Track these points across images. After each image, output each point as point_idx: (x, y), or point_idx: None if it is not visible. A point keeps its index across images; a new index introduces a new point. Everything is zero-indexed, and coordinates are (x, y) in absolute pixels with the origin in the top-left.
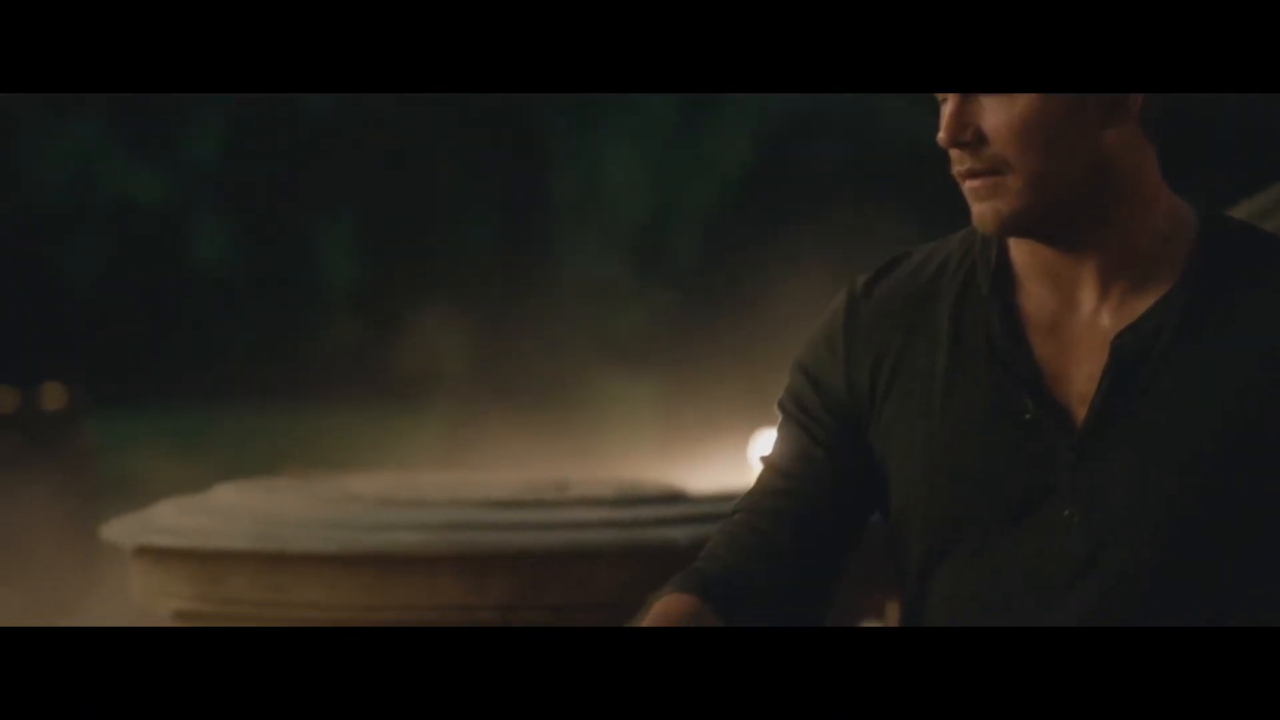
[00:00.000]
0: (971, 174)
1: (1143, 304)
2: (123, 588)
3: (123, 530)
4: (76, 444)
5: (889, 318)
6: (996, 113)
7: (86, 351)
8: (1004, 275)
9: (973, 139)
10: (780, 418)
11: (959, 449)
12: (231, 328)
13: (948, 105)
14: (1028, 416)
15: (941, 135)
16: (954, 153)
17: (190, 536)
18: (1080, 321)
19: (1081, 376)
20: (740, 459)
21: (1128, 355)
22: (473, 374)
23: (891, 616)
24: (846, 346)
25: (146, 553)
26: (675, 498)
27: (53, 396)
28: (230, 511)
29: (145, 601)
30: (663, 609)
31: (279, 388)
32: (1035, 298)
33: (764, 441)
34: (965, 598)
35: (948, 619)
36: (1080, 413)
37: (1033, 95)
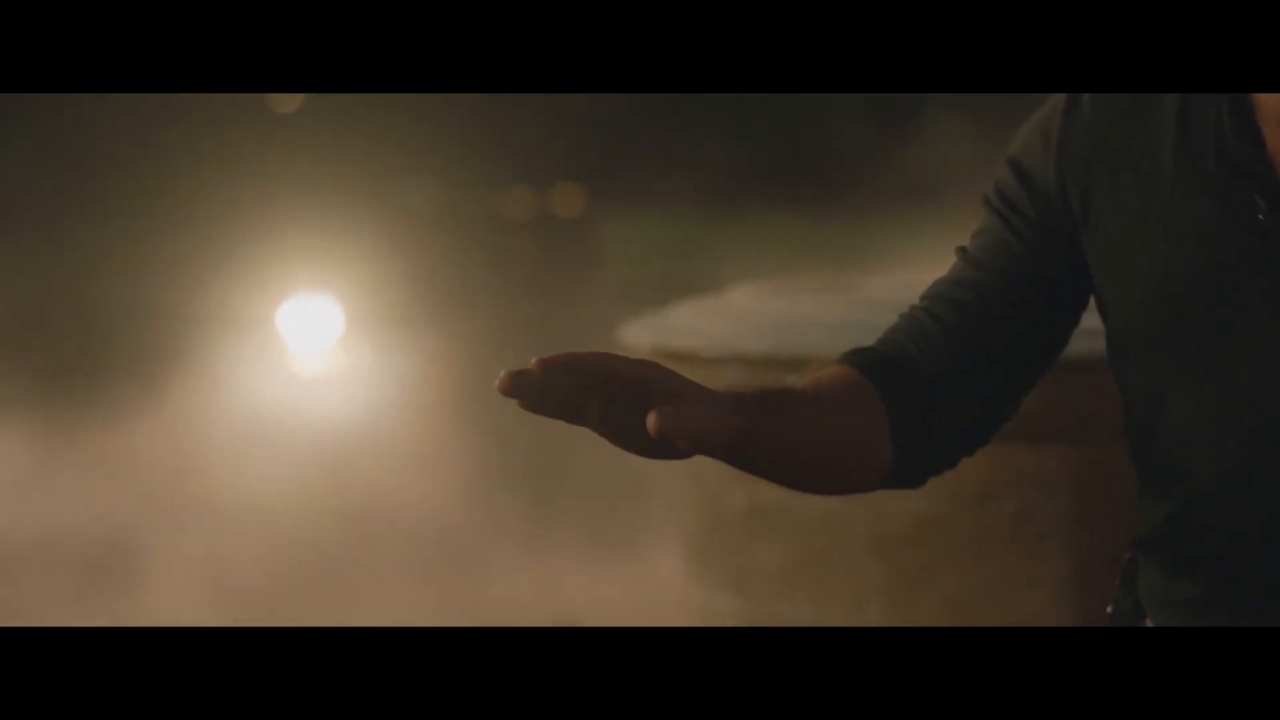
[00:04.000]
0: None
1: None
2: None
3: (641, 332)
4: (590, 245)
5: (1112, 110)
6: None
7: (600, 154)
8: None
9: None
10: (983, 212)
11: (1184, 259)
12: (744, 132)
13: None
14: (1261, 218)
15: None
16: None
17: (708, 339)
18: None
19: None
20: None
21: None
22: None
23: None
24: (1061, 136)
25: (663, 355)
26: None
27: (568, 199)
28: (746, 315)
29: None
30: (823, 374)
31: (792, 191)
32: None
33: None
34: (1201, 427)
35: (1185, 448)
36: None
37: None
